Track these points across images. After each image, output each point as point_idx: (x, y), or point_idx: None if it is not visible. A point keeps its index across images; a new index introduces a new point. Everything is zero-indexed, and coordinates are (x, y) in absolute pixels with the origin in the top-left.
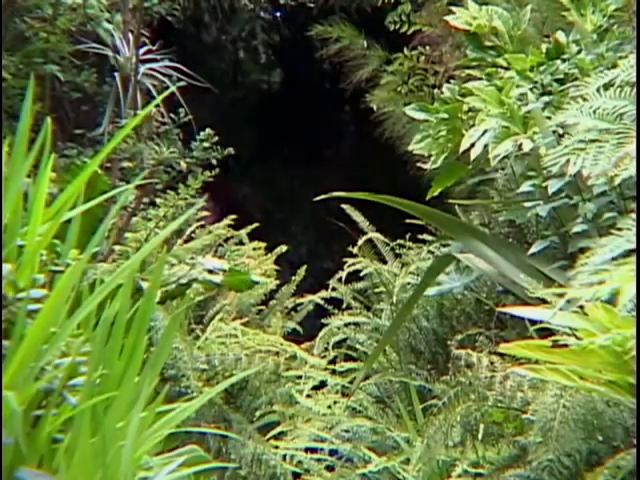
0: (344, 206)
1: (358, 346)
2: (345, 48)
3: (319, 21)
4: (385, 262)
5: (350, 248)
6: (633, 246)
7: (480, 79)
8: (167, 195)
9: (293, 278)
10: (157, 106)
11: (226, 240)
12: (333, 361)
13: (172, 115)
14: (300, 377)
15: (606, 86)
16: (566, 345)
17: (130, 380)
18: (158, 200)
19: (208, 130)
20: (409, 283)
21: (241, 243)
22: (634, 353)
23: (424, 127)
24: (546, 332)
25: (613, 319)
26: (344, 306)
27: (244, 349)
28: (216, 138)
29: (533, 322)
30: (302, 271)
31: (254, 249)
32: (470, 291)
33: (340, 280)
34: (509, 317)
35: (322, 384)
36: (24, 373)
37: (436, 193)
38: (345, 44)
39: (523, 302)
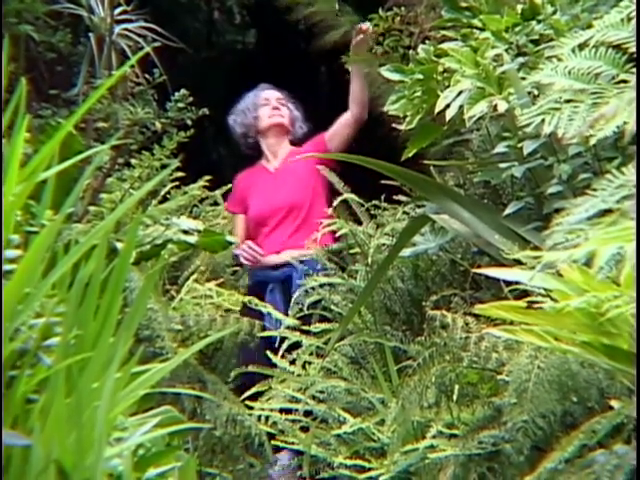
0: (319, 167)
1: (333, 307)
2: (318, 9)
3: None
4: (360, 223)
5: (325, 209)
6: (607, 206)
7: (455, 40)
8: (142, 156)
9: None
10: (132, 66)
11: (201, 201)
12: (308, 322)
13: (147, 75)
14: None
15: (581, 46)
16: (541, 306)
17: (105, 341)
18: (133, 161)
19: (183, 90)
20: (384, 244)
21: (216, 204)
22: (610, 315)
23: (399, 88)
24: (521, 293)
25: (589, 281)
26: (318, 267)
27: (219, 310)
28: (191, 99)
29: (508, 283)
30: None
31: None
32: (445, 252)
33: (315, 241)
34: (484, 278)
35: (297, 345)
36: None
37: (411, 154)
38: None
39: (498, 263)
